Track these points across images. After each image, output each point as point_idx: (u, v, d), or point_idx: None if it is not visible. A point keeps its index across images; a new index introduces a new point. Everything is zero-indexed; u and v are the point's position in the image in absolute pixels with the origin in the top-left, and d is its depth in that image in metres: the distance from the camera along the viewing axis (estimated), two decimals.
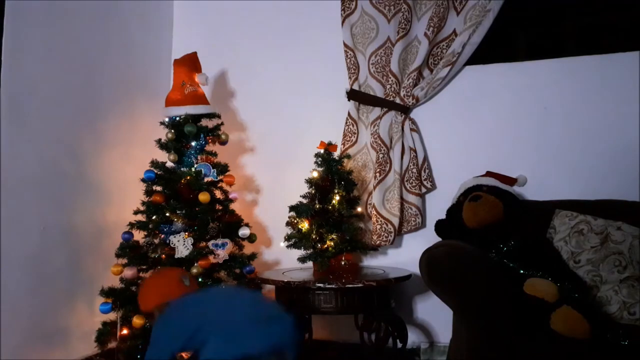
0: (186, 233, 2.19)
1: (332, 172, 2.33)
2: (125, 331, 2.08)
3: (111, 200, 2.48)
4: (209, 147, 2.38)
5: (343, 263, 2.29)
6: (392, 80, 2.50)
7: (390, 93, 2.50)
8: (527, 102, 2.43)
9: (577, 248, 1.91)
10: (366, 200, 2.55)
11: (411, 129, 2.49)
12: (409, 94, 2.48)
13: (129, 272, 2.12)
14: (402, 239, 2.56)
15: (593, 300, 1.78)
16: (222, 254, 2.21)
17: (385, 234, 2.42)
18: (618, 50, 2.32)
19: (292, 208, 2.34)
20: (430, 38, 2.43)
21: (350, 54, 2.57)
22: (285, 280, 2.06)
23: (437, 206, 2.42)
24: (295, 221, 2.32)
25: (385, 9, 2.53)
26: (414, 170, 2.45)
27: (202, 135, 2.34)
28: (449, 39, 2.49)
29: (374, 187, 2.46)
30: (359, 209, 2.41)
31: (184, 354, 1.82)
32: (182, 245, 2.16)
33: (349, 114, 2.58)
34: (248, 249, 2.38)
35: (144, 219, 2.23)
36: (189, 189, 2.24)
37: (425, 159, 2.51)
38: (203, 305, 1.62)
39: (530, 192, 2.36)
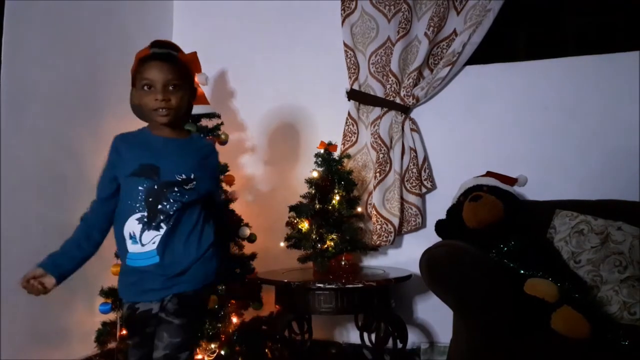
0: None
1: (332, 172, 2.33)
2: (125, 331, 2.08)
3: None
4: None
5: (343, 263, 2.29)
6: (392, 80, 2.50)
7: (391, 93, 2.50)
8: (527, 102, 2.43)
9: (577, 248, 1.90)
10: (366, 200, 2.55)
11: (411, 129, 2.49)
12: (409, 93, 2.48)
13: None
14: (402, 239, 2.56)
15: (593, 300, 1.78)
16: None
17: (385, 234, 2.42)
18: (618, 50, 2.32)
19: (292, 208, 2.34)
20: (431, 38, 2.43)
21: (350, 54, 2.57)
22: (285, 281, 2.06)
23: (437, 206, 2.42)
24: (295, 221, 2.32)
25: (386, 8, 2.53)
26: (414, 170, 2.45)
27: (202, 135, 2.33)
28: (449, 39, 2.49)
29: (374, 187, 2.46)
30: (359, 209, 2.41)
31: None
32: None
33: (349, 114, 2.58)
34: (248, 249, 2.38)
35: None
36: None
37: (426, 159, 2.51)
38: None
39: (530, 192, 2.36)
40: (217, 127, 2.41)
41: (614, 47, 2.34)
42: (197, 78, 2.41)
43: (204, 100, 2.43)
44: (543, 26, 2.63)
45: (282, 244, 2.34)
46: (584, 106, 2.35)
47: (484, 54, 2.48)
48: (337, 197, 2.30)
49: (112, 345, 2.11)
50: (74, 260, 1.45)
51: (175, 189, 1.36)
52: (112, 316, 2.12)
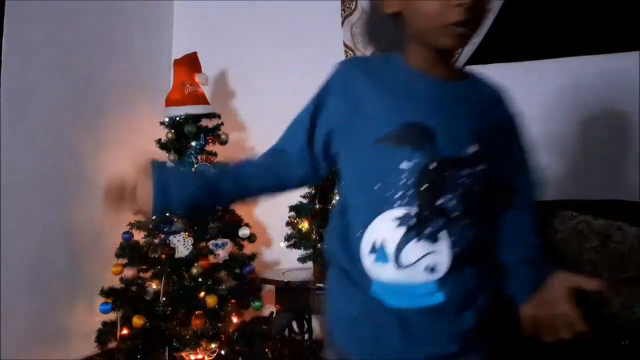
0: (186, 233, 2.19)
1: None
2: (125, 331, 2.08)
3: None
4: (209, 147, 2.38)
5: None
6: None
7: None
8: (527, 102, 2.41)
9: (577, 248, 1.90)
10: None
11: None
12: None
13: (129, 272, 2.12)
14: None
15: (593, 300, 1.78)
16: (222, 254, 2.21)
17: None
18: (618, 50, 2.32)
19: (292, 208, 2.33)
20: None
21: (350, 54, 2.57)
22: (285, 281, 2.06)
23: None
24: (295, 221, 2.32)
25: None
26: None
27: (202, 135, 2.34)
28: None
29: None
30: None
31: None
32: (182, 245, 2.16)
33: None
34: (248, 249, 2.38)
35: (144, 219, 2.23)
36: None
37: None
38: None
39: None
40: (217, 127, 2.41)
41: (614, 47, 2.33)
42: (197, 78, 2.42)
43: (204, 100, 2.43)
44: (543, 26, 2.63)
45: (282, 244, 2.34)
46: (584, 106, 2.35)
47: (484, 54, 2.48)
48: (337, 197, 2.30)
49: (112, 345, 2.11)
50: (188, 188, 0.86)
51: (463, 172, 0.80)
52: (112, 316, 2.12)
